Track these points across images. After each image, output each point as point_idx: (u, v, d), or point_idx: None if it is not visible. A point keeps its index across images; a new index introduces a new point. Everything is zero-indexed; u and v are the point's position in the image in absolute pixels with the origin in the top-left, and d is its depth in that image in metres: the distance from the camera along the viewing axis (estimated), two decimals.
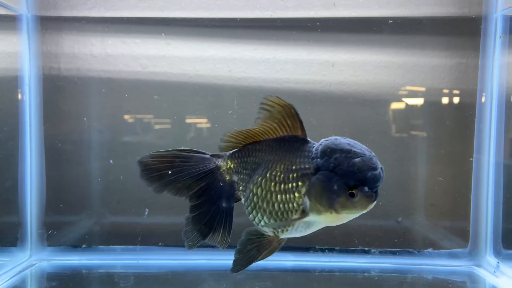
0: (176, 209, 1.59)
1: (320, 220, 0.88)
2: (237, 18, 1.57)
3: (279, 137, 0.92)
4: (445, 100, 1.60)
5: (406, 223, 1.55)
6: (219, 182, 0.99)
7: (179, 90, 1.58)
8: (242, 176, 0.97)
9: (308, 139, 0.92)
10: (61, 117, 1.59)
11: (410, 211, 1.55)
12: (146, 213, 1.53)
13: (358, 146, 0.86)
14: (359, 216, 0.87)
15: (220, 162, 0.99)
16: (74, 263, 1.45)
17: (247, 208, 0.96)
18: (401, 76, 1.60)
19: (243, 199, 0.98)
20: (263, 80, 1.60)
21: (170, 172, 0.98)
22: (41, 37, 1.55)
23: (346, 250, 1.49)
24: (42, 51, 1.55)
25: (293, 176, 0.87)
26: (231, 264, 0.99)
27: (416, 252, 1.50)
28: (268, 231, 0.94)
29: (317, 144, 0.89)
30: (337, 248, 1.51)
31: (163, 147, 1.04)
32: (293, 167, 0.88)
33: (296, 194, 0.87)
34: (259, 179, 0.91)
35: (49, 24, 1.56)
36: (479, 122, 1.50)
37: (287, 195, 0.88)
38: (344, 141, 0.87)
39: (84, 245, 1.52)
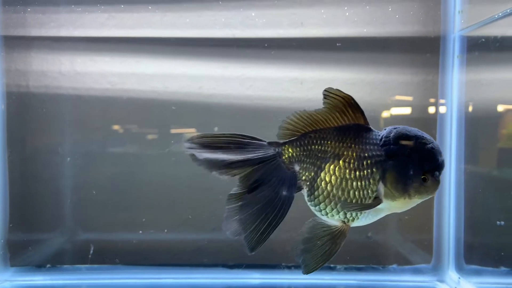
0: (145, 227, 1.60)
1: (391, 207, 0.89)
2: (207, 38, 1.59)
3: (343, 125, 0.91)
4: (412, 116, 1.63)
5: (377, 238, 1.56)
6: (280, 170, 0.95)
7: (149, 107, 1.59)
8: (305, 165, 0.94)
9: (371, 127, 0.92)
10: (29, 134, 1.58)
11: (380, 226, 1.57)
12: None
13: (426, 133, 0.90)
14: None
15: (280, 149, 0.96)
16: (38, 283, 1.43)
17: (316, 197, 0.93)
18: (368, 93, 1.63)
19: (306, 189, 0.95)
20: (234, 97, 1.61)
21: (224, 155, 0.94)
22: (9, 55, 1.55)
23: None
24: (10, 69, 1.55)
25: (367, 163, 0.88)
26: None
27: (380, 268, 1.51)
28: (337, 221, 0.92)
29: (383, 132, 0.90)
30: None
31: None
32: (366, 154, 0.89)
33: (371, 181, 0.88)
34: (331, 167, 0.91)
35: (17, 42, 1.56)
36: (440, 137, 1.53)
37: (363, 182, 0.89)
38: (413, 129, 0.89)
39: (48, 265, 1.49)
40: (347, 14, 1.57)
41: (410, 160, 0.86)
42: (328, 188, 0.91)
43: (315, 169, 0.93)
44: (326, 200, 0.91)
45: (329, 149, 0.92)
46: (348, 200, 0.89)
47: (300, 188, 0.96)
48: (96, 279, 1.45)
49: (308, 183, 0.94)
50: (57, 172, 1.56)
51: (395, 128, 0.89)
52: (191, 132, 1.63)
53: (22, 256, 1.51)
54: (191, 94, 1.59)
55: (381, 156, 0.88)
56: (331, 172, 0.91)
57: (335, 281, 1.45)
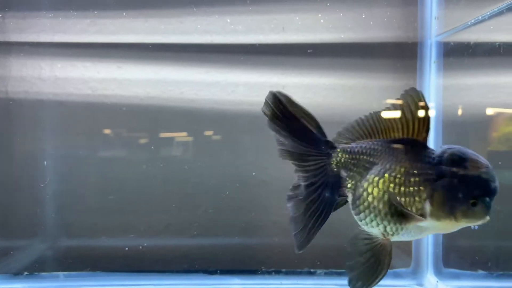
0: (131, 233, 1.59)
1: (436, 227, 0.88)
2: (189, 44, 1.60)
3: (399, 139, 0.91)
4: None
5: None
6: (326, 171, 0.96)
7: (130, 113, 1.58)
8: (351, 173, 0.94)
9: (427, 144, 0.91)
10: (8, 140, 1.56)
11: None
12: None
13: (481, 157, 0.88)
14: None
15: (332, 151, 0.96)
16: None
17: (358, 206, 0.92)
18: (350, 98, 1.65)
19: (351, 197, 0.94)
20: (215, 102, 1.61)
21: (292, 127, 0.95)
22: None
23: (293, 272, 1.50)
24: None
25: (414, 180, 0.87)
26: None
27: None
28: (378, 233, 0.91)
29: (437, 151, 0.89)
30: (283, 270, 1.51)
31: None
32: (415, 171, 0.87)
33: (417, 198, 0.86)
34: (376, 179, 0.90)
35: None
36: None
37: (407, 198, 0.87)
38: (468, 150, 0.88)
39: (26, 273, 1.48)
40: (326, 19, 1.59)
41: (460, 182, 0.84)
42: (370, 199, 0.90)
43: (361, 179, 0.93)
44: (366, 211, 0.91)
45: (377, 160, 0.91)
46: (388, 215, 0.88)
47: (345, 195, 0.96)
48: (75, 286, 1.44)
49: (353, 192, 0.94)
50: (38, 178, 1.55)
51: (450, 148, 0.88)
52: (179, 135, 1.63)
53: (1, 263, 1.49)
54: (173, 100, 1.59)
55: (431, 175, 0.86)
56: (375, 183, 0.90)
57: (316, 286, 1.45)
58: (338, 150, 0.96)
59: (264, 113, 0.97)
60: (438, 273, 1.46)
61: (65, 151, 1.57)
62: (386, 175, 0.89)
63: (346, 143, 0.97)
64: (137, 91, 1.59)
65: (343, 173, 0.95)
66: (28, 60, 1.55)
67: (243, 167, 1.59)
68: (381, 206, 0.89)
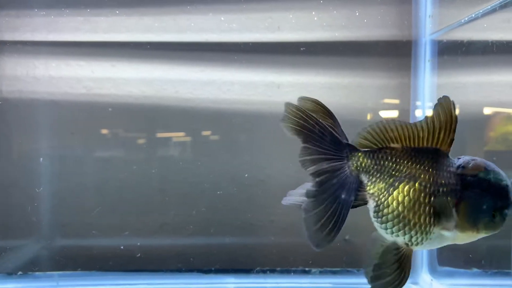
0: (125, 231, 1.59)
1: (457, 237, 0.88)
2: (183, 42, 1.59)
3: (422, 147, 0.90)
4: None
5: (353, 241, 1.56)
6: (344, 174, 0.94)
7: (125, 112, 1.58)
8: (373, 179, 0.93)
9: (449, 155, 0.91)
10: (3, 139, 1.56)
11: (357, 229, 1.57)
12: None
13: (500, 170, 0.90)
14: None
15: (352, 154, 0.94)
16: None
17: (385, 215, 0.91)
18: (345, 96, 1.64)
19: (373, 205, 0.93)
20: (210, 101, 1.61)
21: (312, 135, 0.92)
22: None
23: (287, 270, 1.50)
24: None
25: (442, 190, 0.88)
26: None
27: (355, 271, 1.51)
28: (401, 243, 0.91)
29: (458, 161, 0.89)
30: (278, 268, 1.51)
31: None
32: (442, 181, 0.88)
33: None
34: (406, 187, 0.90)
35: None
36: None
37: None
38: (491, 163, 0.89)
39: (20, 272, 1.47)
40: (320, 17, 1.58)
41: (485, 194, 0.86)
42: (400, 208, 0.90)
43: (387, 186, 0.92)
44: (395, 220, 0.90)
45: (404, 169, 0.91)
46: (417, 225, 0.88)
47: (365, 201, 0.95)
48: (69, 285, 1.43)
49: (376, 199, 0.93)
50: (32, 178, 1.54)
51: (473, 160, 0.89)
52: (174, 135, 1.63)
53: None
54: (168, 99, 1.59)
55: (457, 185, 0.87)
56: (405, 192, 0.90)
57: (310, 285, 1.45)
58: (359, 154, 0.94)
59: (285, 127, 0.93)
60: (433, 271, 1.46)
61: (60, 150, 1.56)
62: (417, 184, 0.89)
63: (366, 147, 0.95)
64: (132, 90, 1.58)
65: (363, 178, 0.94)
66: (22, 59, 1.55)
67: (240, 166, 1.59)
68: (411, 215, 0.89)
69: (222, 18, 1.56)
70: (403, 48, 1.58)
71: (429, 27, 1.46)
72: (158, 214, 1.57)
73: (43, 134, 1.56)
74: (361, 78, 1.64)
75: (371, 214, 0.94)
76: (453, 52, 1.39)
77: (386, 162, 0.93)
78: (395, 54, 1.60)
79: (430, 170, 0.90)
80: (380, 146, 0.93)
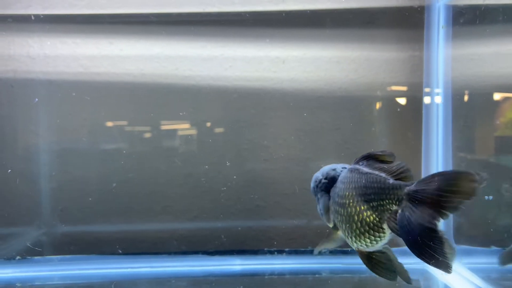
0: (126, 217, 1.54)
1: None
2: (182, 13, 1.52)
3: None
4: (398, 94, 1.57)
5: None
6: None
7: (123, 91, 1.52)
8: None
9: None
10: None
11: None
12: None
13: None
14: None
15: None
16: (8, 276, 1.36)
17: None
18: (354, 71, 1.57)
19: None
20: (211, 78, 1.54)
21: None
22: None
23: (296, 251, 1.44)
24: None
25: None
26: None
27: None
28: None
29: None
30: (286, 249, 1.46)
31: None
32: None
33: None
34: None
35: None
36: (426, 121, 1.47)
37: None
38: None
39: (18, 257, 1.43)
40: None
41: None
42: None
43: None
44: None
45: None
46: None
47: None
48: (71, 269, 1.39)
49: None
50: (30, 161, 1.49)
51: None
52: (174, 113, 1.56)
53: None
54: (167, 76, 1.52)
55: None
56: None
57: (321, 265, 1.40)
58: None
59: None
60: None
61: (58, 133, 1.51)
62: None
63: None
64: (130, 68, 1.52)
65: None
66: (15, 38, 1.49)
67: (243, 146, 1.53)
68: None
69: None
70: (415, 15, 1.49)
71: None
72: (161, 196, 1.51)
73: (40, 115, 1.50)
74: (369, 51, 1.56)
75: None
76: (469, 19, 1.30)
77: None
78: (406, 23, 1.52)
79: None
80: None
